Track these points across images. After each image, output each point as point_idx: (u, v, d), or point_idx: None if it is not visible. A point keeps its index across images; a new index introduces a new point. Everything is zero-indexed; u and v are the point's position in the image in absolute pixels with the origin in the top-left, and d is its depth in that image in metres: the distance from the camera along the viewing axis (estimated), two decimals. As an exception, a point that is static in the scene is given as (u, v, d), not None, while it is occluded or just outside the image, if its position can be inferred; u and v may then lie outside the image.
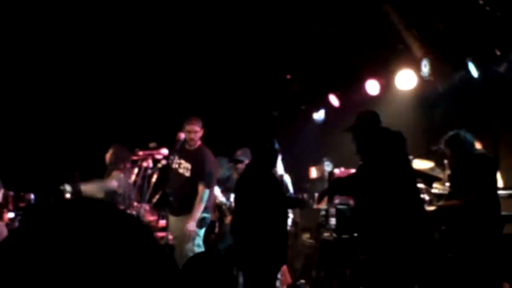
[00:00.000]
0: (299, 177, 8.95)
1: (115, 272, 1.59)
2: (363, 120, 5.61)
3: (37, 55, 8.91)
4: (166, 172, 6.88)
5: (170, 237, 6.95)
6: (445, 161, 6.53)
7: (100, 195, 6.58)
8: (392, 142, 5.35)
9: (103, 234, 1.66)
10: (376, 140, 5.36)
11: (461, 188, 5.77)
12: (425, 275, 5.49)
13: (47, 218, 1.83)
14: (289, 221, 7.96)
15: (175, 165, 7.05)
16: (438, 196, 6.44)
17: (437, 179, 6.58)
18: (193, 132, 7.14)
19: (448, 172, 6.54)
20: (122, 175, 6.88)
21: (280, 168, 7.20)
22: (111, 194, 6.74)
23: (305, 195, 8.75)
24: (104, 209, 1.87)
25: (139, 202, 6.63)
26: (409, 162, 5.55)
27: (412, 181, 5.36)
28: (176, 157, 7.04)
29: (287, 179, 7.42)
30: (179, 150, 7.02)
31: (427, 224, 5.30)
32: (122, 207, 6.59)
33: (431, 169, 6.67)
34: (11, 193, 6.98)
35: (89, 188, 6.74)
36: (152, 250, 1.66)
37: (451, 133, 5.98)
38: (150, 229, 5.11)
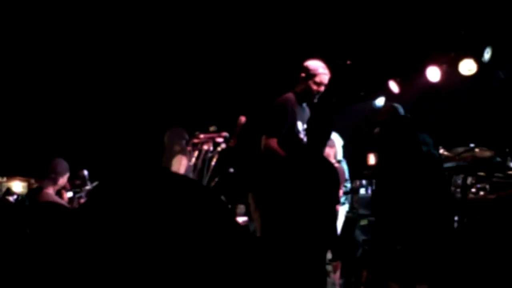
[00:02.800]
0: (356, 164, 8.92)
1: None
2: (385, 115, 5.66)
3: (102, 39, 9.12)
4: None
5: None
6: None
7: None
8: (407, 129, 5.37)
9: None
10: (392, 132, 5.40)
11: None
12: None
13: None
14: (347, 207, 8.03)
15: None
16: (499, 185, 6.38)
17: (499, 168, 6.50)
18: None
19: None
20: (183, 159, 6.65)
21: (339, 154, 7.23)
22: None
23: (363, 182, 8.79)
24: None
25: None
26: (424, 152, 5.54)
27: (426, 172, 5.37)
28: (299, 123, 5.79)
29: (345, 165, 7.45)
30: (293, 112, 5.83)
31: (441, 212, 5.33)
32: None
33: (491, 157, 6.58)
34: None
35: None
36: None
37: None
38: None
